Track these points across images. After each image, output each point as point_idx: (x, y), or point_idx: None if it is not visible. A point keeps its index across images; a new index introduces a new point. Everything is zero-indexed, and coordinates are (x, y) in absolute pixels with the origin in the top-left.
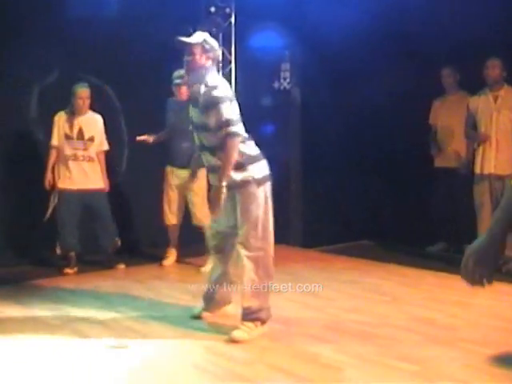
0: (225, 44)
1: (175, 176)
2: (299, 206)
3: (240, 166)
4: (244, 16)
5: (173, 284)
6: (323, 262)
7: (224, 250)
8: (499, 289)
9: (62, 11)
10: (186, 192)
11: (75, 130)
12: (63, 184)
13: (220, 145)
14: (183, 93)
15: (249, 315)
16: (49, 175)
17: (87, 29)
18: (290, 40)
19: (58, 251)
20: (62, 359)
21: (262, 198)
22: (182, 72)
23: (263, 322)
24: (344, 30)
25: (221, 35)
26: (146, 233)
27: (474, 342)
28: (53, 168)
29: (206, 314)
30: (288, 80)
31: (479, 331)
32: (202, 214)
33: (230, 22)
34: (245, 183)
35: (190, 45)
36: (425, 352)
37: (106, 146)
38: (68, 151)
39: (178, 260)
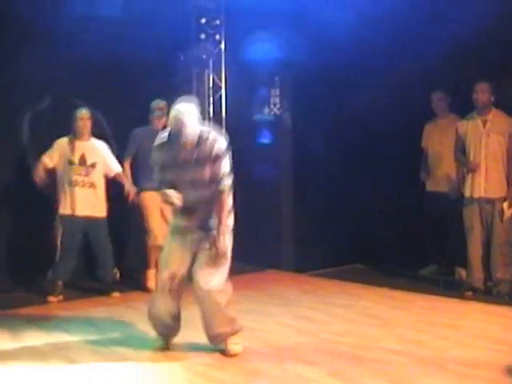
0: (215, 70)
1: (155, 198)
2: (291, 231)
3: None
4: (234, 43)
5: None
6: (315, 286)
7: None
8: (490, 310)
9: (54, 35)
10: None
11: (77, 156)
12: (65, 210)
13: (212, 198)
14: (162, 123)
15: (233, 330)
16: (40, 170)
17: (77, 55)
18: (279, 66)
19: (49, 277)
20: None
21: None
22: (161, 103)
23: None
24: (332, 55)
25: (211, 61)
26: (141, 259)
27: (465, 364)
28: (54, 192)
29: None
30: (278, 105)
31: (470, 353)
32: None
33: (220, 49)
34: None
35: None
36: (416, 374)
37: (118, 168)
38: (70, 177)
39: None
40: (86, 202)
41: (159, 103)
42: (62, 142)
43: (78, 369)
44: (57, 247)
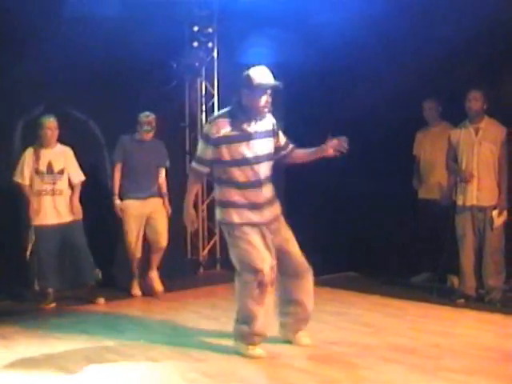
0: (207, 78)
1: (136, 208)
2: None
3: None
4: (226, 50)
5: (159, 316)
6: None
7: None
8: (482, 318)
9: (47, 42)
10: (144, 222)
11: (44, 164)
12: (38, 220)
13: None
14: (149, 137)
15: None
16: (31, 211)
17: (69, 63)
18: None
19: (37, 287)
20: None
21: None
22: (149, 116)
23: None
24: (323, 64)
25: (203, 69)
26: (127, 266)
27: (458, 371)
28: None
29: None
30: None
31: (463, 361)
32: (164, 239)
33: (213, 57)
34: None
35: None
36: (409, 382)
37: (82, 177)
38: (39, 186)
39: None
40: (56, 209)
41: (148, 117)
42: (28, 154)
43: (71, 376)
44: (32, 258)
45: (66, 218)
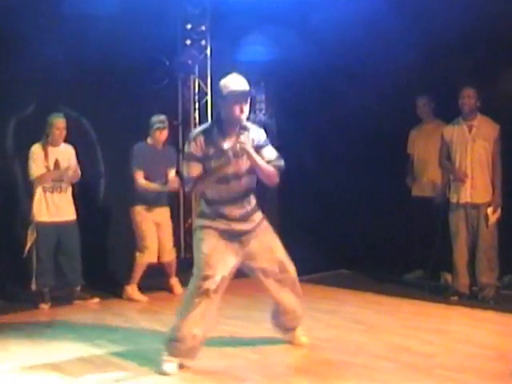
0: (201, 76)
1: (150, 213)
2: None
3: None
4: (219, 48)
5: (152, 316)
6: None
7: None
8: (475, 315)
9: (39, 40)
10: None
11: (52, 162)
12: (40, 217)
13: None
14: (163, 136)
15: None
16: (36, 208)
17: (62, 61)
18: (265, 72)
19: (34, 286)
20: None
21: None
22: (161, 117)
23: None
24: (318, 61)
25: (196, 67)
26: (123, 266)
27: (451, 368)
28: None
29: None
30: (263, 111)
31: (456, 358)
32: (168, 253)
33: (206, 54)
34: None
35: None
36: (402, 380)
37: (79, 176)
38: (46, 183)
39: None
40: (61, 207)
41: (159, 116)
42: (37, 149)
43: (65, 377)
44: (31, 255)
45: (67, 216)
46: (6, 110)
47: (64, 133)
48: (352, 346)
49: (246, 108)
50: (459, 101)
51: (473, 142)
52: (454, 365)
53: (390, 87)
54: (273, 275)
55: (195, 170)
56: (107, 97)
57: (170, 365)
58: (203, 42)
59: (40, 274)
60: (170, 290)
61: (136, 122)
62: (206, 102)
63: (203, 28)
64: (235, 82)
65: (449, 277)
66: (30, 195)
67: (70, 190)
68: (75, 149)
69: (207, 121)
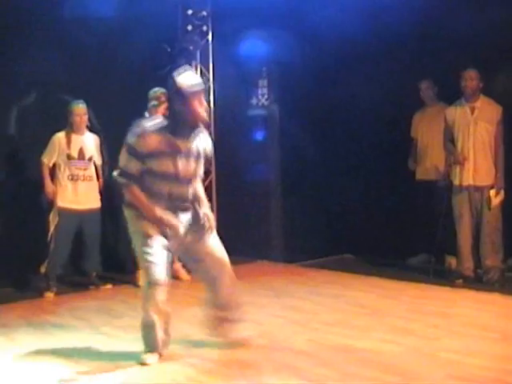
0: (202, 61)
1: None
2: (280, 221)
3: None
4: (221, 34)
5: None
6: (305, 277)
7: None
8: (480, 298)
9: (46, 29)
10: None
11: (76, 150)
12: (64, 203)
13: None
14: (160, 112)
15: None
16: (50, 187)
17: (68, 49)
18: (267, 56)
19: (43, 270)
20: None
21: None
22: (158, 91)
23: None
24: (320, 46)
25: (198, 53)
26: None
27: (457, 351)
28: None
29: None
30: (266, 96)
31: (461, 341)
32: None
33: (208, 40)
34: None
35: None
36: (407, 363)
37: (99, 161)
38: (70, 171)
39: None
40: (86, 195)
41: (155, 90)
42: (59, 138)
43: (71, 364)
44: (50, 240)
45: (92, 204)
46: (9, 99)
47: (85, 119)
48: (356, 330)
49: (205, 104)
50: (461, 82)
51: (475, 124)
52: (459, 348)
53: (393, 71)
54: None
55: (134, 166)
56: (107, 84)
57: (150, 356)
58: (204, 28)
59: (53, 260)
60: (175, 276)
61: (139, 109)
62: (209, 87)
63: (204, 13)
64: (192, 78)
65: (453, 260)
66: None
67: (95, 178)
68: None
69: (209, 106)
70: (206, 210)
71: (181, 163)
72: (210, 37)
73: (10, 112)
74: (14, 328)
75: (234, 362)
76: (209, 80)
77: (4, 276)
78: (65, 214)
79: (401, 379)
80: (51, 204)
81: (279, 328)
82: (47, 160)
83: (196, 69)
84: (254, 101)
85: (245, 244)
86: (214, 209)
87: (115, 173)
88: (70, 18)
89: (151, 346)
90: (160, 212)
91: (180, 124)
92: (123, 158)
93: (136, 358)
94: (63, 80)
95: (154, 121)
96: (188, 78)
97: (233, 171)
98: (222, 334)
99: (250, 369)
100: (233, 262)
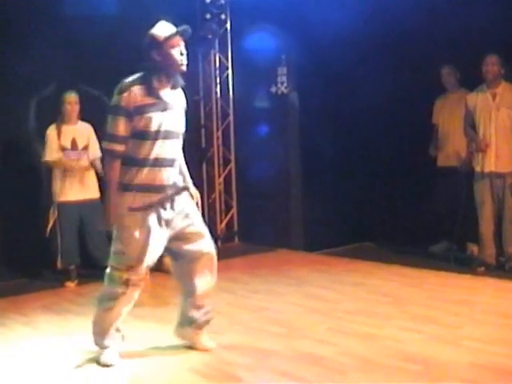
0: (221, 50)
1: None
2: (300, 210)
3: None
4: (239, 22)
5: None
6: (325, 265)
7: None
8: (503, 286)
9: (59, 22)
10: None
11: (68, 141)
12: (61, 197)
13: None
14: None
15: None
16: (56, 188)
17: (82, 39)
18: (286, 44)
19: (59, 265)
20: (58, 372)
21: None
22: None
23: None
24: (341, 31)
25: (217, 41)
26: None
27: (479, 340)
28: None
29: None
30: (285, 84)
31: (484, 329)
32: None
33: (226, 28)
34: None
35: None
36: (429, 352)
37: (99, 153)
38: (64, 162)
39: None
40: (81, 186)
41: None
42: (51, 131)
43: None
44: (56, 235)
45: (90, 195)
46: (26, 92)
47: (76, 108)
48: (378, 319)
49: (185, 52)
50: (483, 68)
51: (497, 110)
52: (482, 336)
53: (415, 57)
54: None
55: (123, 127)
56: (125, 72)
57: (109, 355)
58: (223, 16)
59: (65, 253)
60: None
61: None
62: (227, 76)
63: (222, 1)
64: (166, 28)
65: (475, 248)
66: (50, 175)
67: (92, 168)
68: (93, 126)
69: (229, 95)
70: (192, 188)
71: (168, 116)
72: (228, 25)
73: (12, 110)
74: (36, 317)
75: (253, 351)
76: (227, 68)
77: (19, 270)
78: (63, 207)
79: (422, 367)
80: (50, 199)
81: (299, 316)
82: (49, 157)
83: (214, 57)
84: (273, 89)
85: (265, 232)
86: (234, 197)
87: (103, 143)
88: (84, 8)
89: None
90: (121, 210)
91: (161, 75)
92: (110, 124)
93: (154, 347)
94: (82, 71)
95: (133, 76)
96: (161, 27)
97: (252, 159)
98: (190, 339)
99: (270, 357)
100: (252, 250)
